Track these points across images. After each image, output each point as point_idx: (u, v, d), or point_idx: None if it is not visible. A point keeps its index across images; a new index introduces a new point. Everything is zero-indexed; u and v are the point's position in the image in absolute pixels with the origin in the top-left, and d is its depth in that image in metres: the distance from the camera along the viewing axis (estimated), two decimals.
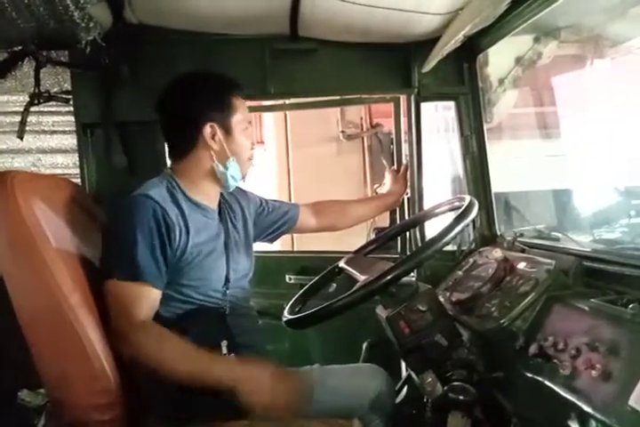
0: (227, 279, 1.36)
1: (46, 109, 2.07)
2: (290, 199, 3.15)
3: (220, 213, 1.44)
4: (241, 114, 1.37)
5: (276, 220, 1.64)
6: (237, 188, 1.60)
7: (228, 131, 1.34)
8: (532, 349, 1.07)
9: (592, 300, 1.06)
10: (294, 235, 2.91)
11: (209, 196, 1.40)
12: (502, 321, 1.18)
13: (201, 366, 1.16)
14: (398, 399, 1.54)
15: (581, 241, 1.57)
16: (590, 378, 0.92)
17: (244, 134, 1.38)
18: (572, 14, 1.67)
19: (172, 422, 1.25)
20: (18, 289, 1.18)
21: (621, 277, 1.15)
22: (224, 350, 1.24)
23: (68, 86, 1.77)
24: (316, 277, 1.50)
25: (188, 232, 1.28)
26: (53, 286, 1.16)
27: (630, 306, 0.96)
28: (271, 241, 1.70)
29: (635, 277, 1.11)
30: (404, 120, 1.89)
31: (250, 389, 1.12)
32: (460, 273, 1.53)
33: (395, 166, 1.96)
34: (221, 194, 1.47)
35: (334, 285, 1.60)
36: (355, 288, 1.14)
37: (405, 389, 1.59)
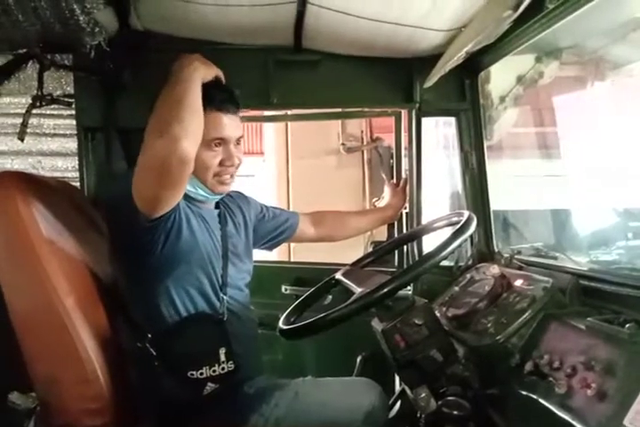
0: (224, 284, 1.36)
1: (48, 112, 2.08)
2: (288, 209, 3.15)
3: (219, 215, 1.44)
4: (205, 129, 1.26)
5: (275, 227, 1.65)
6: (239, 193, 1.61)
7: None
8: (528, 366, 1.07)
9: (589, 319, 1.05)
10: (292, 246, 2.91)
11: (201, 198, 1.39)
12: (498, 338, 1.18)
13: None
14: (391, 414, 1.52)
15: (578, 262, 1.57)
16: (585, 397, 0.91)
17: (209, 152, 1.32)
18: (573, 36, 1.69)
19: None
20: (13, 290, 1.17)
21: (618, 297, 1.14)
22: (222, 358, 1.23)
23: (70, 90, 1.77)
24: (313, 289, 1.50)
25: (180, 222, 1.28)
26: (49, 288, 1.16)
27: (627, 326, 0.95)
28: (270, 249, 1.71)
29: (632, 297, 1.11)
30: (404, 135, 1.90)
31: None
32: (456, 289, 1.52)
33: (394, 180, 1.96)
34: (222, 198, 1.48)
35: (330, 297, 1.59)
36: (351, 300, 1.13)
37: (399, 404, 1.57)
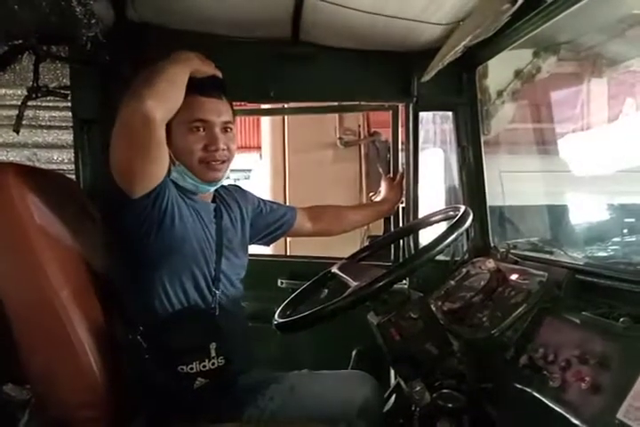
0: (217, 278, 1.36)
1: (44, 104, 2.07)
2: (285, 203, 3.15)
3: (215, 209, 1.44)
4: (186, 113, 1.29)
5: (273, 222, 1.64)
6: (237, 187, 1.61)
7: (168, 133, 1.27)
8: (523, 360, 1.08)
9: (583, 313, 1.06)
10: (288, 240, 2.91)
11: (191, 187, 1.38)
12: (493, 331, 1.19)
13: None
14: (386, 408, 1.53)
15: (574, 256, 1.57)
16: (579, 391, 0.92)
17: (191, 135, 1.32)
18: (571, 31, 1.69)
19: (158, 423, 1.24)
20: (7, 282, 1.16)
21: (613, 291, 1.15)
22: (213, 353, 1.23)
23: (66, 82, 1.76)
24: (308, 282, 1.50)
25: (172, 211, 1.27)
26: (44, 280, 1.15)
27: (621, 320, 0.96)
28: (267, 244, 1.70)
29: (626, 291, 1.11)
30: (401, 130, 1.90)
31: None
32: (452, 283, 1.52)
33: (391, 175, 1.96)
34: (219, 192, 1.47)
35: (326, 290, 1.59)
36: (346, 293, 1.14)
37: (394, 397, 1.58)
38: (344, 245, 2.05)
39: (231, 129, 1.37)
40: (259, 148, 4.69)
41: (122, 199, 1.21)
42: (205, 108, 1.32)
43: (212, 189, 1.42)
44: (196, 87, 1.30)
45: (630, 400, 0.82)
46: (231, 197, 1.53)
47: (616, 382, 0.87)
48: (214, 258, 1.37)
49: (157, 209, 1.24)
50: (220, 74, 1.39)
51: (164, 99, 1.18)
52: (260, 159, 4.60)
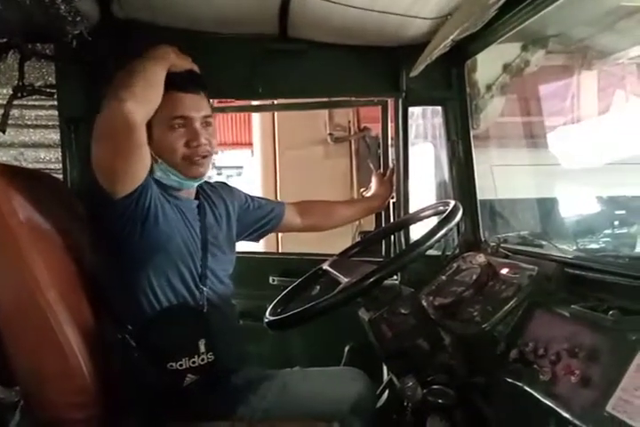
0: (203, 275, 1.36)
1: (30, 103, 2.06)
2: (276, 199, 3.14)
3: (199, 206, 1.43)
4: (165, 110, 1.28)
5: (260, 217, 1.63)
6: (223, 183, 1.61)
7: (148, 130, 1.27)
8: (513, 354, 1.08)
9: (573, 306, 1.06)
10: (280, 236, 2.91)
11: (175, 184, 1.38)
12: (484, 326, 1.19)
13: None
14: (379, 404, 1.53)
15: (564, 250, 1.58)
16: (569, 384, 0.93)
17: (173, 133, 1.31)
18: (560, 24, 1.69)
19: (150, 421, 1.23)
20: None
21: (602, 284, 1.15)
22: (202, 349, 1.23)
23: (52, 80, 1.74)
24: (300, 279, 1.49)
25: (156, 210, 1.27)
26: (30, 281, 1.14)
27: (610, 313, 0.96)
28: (256, 240, 1.70)
29: (615, 284, 1.12)
30: (391, 125, 1.90)
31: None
32: (443, 278, 1.52)
33: (381, 170, 1.96)
34: (203, 188, 1.47)
35: (318, 287, 1.59)
36: (337, 290, 1.13)
37: (386, 393, 1.59)
38: (336, 241, 2.05)
39: (211, 123, 1.37)
40: (251, 144, 4.67)
41: (105, 199, 1.21)
42: (185, 104, 1.32)
43: (196, 184, 1.42)
44: (174, 83, 1.30)
45: (620, 393, 0.83)
46: (216, 193, 1.52)
47: (605, 376, 0.88)
48: (200, 255, 1.37)
49: (141, 208, 1.24)
50: (196, 68, 1.39)
51: (143, 100, 1.19)
52: (251, 156, 4.59)
